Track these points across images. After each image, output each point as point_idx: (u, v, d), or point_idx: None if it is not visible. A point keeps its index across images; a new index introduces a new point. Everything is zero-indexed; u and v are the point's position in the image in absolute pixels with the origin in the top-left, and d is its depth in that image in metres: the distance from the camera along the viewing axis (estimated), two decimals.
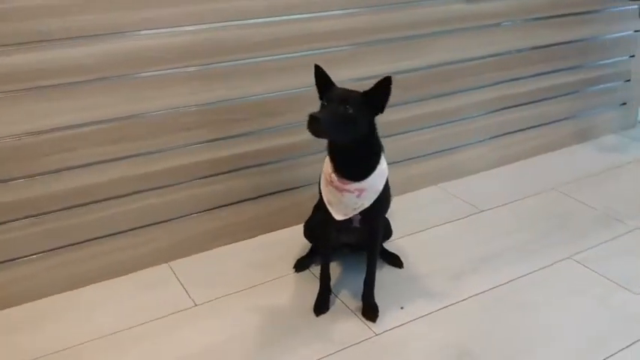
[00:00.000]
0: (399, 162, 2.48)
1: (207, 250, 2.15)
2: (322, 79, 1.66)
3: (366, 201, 1.68)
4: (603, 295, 1.89)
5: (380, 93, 1.59)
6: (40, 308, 1.87)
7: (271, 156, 2.18)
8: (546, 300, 1.87)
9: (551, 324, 1.77)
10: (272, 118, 2.13)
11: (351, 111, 1.55)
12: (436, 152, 2.59)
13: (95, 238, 1.95)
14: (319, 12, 2.08)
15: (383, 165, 1.69)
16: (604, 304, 1.85)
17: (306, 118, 1.49)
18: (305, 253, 2.07)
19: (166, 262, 2.07)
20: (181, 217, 2.08)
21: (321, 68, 1.66)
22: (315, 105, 1.61)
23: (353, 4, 2.14)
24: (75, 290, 1.94)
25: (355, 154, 1.63)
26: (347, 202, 1.66)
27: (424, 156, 2.56)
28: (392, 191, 1.95)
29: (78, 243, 1.93)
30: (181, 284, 1.97)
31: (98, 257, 1.96)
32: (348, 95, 1.58)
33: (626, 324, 1.76)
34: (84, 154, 1.84)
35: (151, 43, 1.84)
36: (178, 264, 2.08)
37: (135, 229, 2.00)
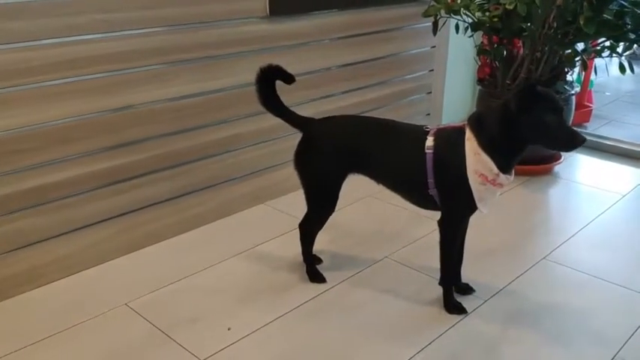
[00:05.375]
0: (223, 182, 2.46)
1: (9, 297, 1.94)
2: None
3: None
4: (420, 289, 2.00)
5: None
6: None
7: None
8: (369, 299, 1.94)
9: (375, 320, 1.84)
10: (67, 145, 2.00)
11: None
12: (257, 171, 2.60)
13: None
14: (118, 32, 2.00)
15: None
16: (422, 295, 1.96)
17: None
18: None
19: None
20: None
21: None
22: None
23: (152, 23, 2.08)
24: None
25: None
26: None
27: (245, 176, 2.56)
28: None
29: None
30: None
31: None
32: None
33: (442, 310, 1.89)
34: None
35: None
36: None
37: None
